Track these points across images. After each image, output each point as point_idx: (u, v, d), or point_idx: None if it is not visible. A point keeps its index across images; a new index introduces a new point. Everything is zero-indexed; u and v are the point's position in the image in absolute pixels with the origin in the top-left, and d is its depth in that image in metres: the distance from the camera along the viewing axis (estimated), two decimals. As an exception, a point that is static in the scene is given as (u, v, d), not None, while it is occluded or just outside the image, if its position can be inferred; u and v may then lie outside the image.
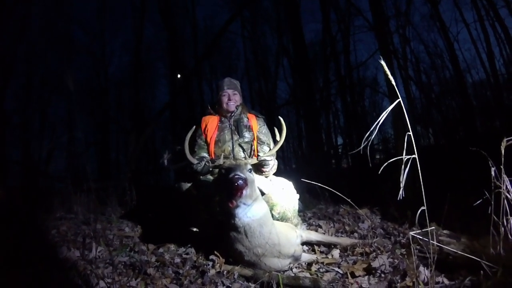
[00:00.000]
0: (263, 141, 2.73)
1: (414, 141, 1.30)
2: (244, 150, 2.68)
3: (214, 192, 2.15)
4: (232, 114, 2.76)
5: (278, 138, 2.53)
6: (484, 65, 12.08)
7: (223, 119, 2.77)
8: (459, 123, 13.01)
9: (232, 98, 2.76)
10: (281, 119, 2.41)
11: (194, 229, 2.63)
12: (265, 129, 2.79)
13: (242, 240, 1.88)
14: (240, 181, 1.70)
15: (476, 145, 1.77)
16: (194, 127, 2.60)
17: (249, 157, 2.64)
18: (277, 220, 2.40)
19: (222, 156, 2.44)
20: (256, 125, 2.76)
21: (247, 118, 2.78)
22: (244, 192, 1.76)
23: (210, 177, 2.61)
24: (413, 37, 14.36)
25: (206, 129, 2.72)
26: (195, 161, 2.38)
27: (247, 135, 2.72)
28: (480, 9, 11.09)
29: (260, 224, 1.88)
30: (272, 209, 2.35)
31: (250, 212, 1.86)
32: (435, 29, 13.70)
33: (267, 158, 2.34)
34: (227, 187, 1.74)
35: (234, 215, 1.85)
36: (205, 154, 2.68)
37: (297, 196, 2.56)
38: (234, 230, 1.89)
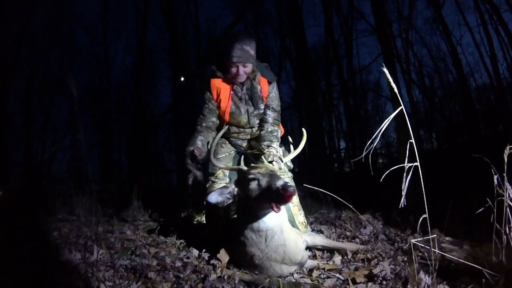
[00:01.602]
0: (268, 105, 2.69)
1: (417, 145, 1.29)
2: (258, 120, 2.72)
3: (237, 193, 2.05)
4: (244, 83, 2.60)
5: (292, 148, 2.51)
6: (487, 69, 12.04)
7: (235, 87, 2.60)
8: (463, 127, 12.98)
9: (241, 72, 2.49)
10: (304, 130, 2.41)
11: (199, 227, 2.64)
12: (273, 93, 2.70)
13: (259, 243, 1.88)
14: (292, 188, 1.70)
15: (480, 150, 1.76)
16: (220, 133, 2.57)
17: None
18: None
19: (242, 159, 2.46)
20: (267, 91, 2.67)
21: (260, 86, 2.64)
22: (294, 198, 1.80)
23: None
24: (416, 40, 14.39)
25: (219, 98, 2.60)
26: (220, 164, 2.38)
27: (261, 106, 2.68)
28: (483, 13, 11.08)
29: (281, 229, 1.90)
30: None
31: (276, 217, 1.88)
32: (438, 32, 13.74)
33: (281, 166, 2.35)
34: (278, 193, 1.73)
35: (260, 218, 1.87)
36: (214, 119, 2.66)
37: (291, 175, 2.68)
38: (255, 233, 1.89)
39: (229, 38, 2.48)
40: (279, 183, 1.75)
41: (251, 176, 1.90)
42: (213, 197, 2.00)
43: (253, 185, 1.88)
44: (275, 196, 1.75)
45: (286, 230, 1.95)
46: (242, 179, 2.01)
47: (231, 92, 2.60)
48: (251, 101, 2.64)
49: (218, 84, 2.60)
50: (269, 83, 2.69)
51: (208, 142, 2.61)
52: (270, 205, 1.78)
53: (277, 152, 2.50)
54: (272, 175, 1.86)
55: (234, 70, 2.48)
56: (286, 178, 2.62)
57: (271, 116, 2.70)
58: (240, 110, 2.65)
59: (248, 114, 2.67)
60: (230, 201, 2.03)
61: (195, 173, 2.45)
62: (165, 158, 21.59)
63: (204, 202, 2.10)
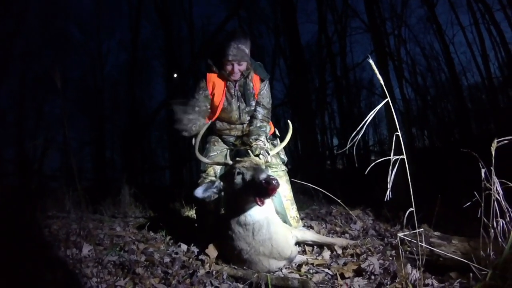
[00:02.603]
0: (259, 102, 2.72)
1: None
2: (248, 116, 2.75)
3: (222, 187, 2.07)
4: (238, 80, 2.63)
5: (278, 142, 2.52)
6: (479, 68, 12.13)
7: (228, 83, 2.63)
8: (454, 125, 13.08)
9: (236, 70, 2.53)
10: (290, 122, 2.42)
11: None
12: (264, 90, 2.73)
13: (246, 237, 1.89)
14: (275, 181, 1.71)
15: (471, 148, 1.76)
16: (210, 122, 2.59)
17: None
18: (275, 204, 2.49)
19: (228, 154, 2.46)
20: (258, 88, 2.71)
21: (253, 83, 2.68)
22: (276, 191, 1.78)
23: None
24: (410, 39, 14.46)
25: (213, 92, 2.62)
26: (205, 160, 2.35)
27: (252, 103, 2.71)
28: (476, 13, 11.14)
29: (268, 222, 1.90)
30: None
31: (262, 210, 1.87)
32: (431, 31, 13.82)
33: (268, 158, 2.36)
34: (261, 187, 1.73)
35: (246, 212, 1.87)
36: (208, 105, 2.63)
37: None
38: (242, 227, 1.89)
39: (226, 36, 2.51)
40: (262, 176, 1.75)
41: (236, 170, 1.91)
42: (200, 192, 2.01)
43: (238, 179, 1.88)
44: (258, 189, 1.75)
45: (274, 224, 1.95)
46: (228, 173, 2.02)
47: (225, 88, 2.63)
48: (243, 98, 2.66)
49: (213, 79, 2.62)
50: (261, 80, 2.72)
51: (196, 125, 2.57)
52: (254, 198, 1.79)
53: (264, 145, 2.52)
54: (257, 169, 1.86)
55: (229, 68, 2.52)
56: (280, 171, 2.66)
57: (261, 112, 2.72)
58: (232, 106, 2.67)
59: (239, 110, 2.69)
60: (217, 195, 2.03)
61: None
62: (159, 156, 21.53)
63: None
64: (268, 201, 1.89)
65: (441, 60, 14.47)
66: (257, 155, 2.32)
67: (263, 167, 1.97)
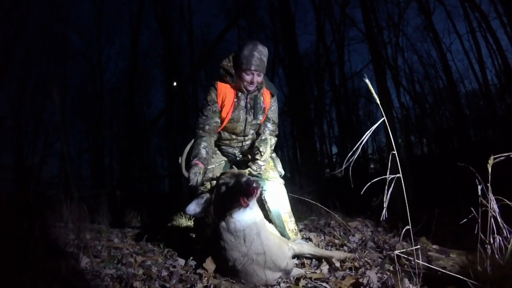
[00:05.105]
0: (269, 118, 2.73)
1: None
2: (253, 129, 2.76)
3: (212, 200, 2.11)
4: (250, 92, 2.59)
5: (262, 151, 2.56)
6: (476, 76, 12.24)
7: (239, 94, 2.59)
8: (453, 132, 13.14)
9: (255, 81, 2.48)
10: (268, 138, 2.50)
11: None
12: (274, 106, 2.75)
13: (239, 245, 1.88)
14: (255, 183, 1.80)
15: (469, 155, 1.77)
16: (193, 140, 2.57)
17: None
18: (273, 217, 2.60)
19: (214, 169, 2.47)
20: (269, 103, 2.70)
21: (263, 97, 2.66)
22: (258, 192, 1.84)
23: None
24: (407, 47, 14.60)
25: (223, 103, 2.58)
26: (190, 175, 2.33)
27: (260, 117, 2.69)
28: (473, 21, 11.27)
29: (258, 228, 1.91)
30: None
31: (250, 215, 1.90)
32: (429, 39, 13.96)
33: (259, 170, 2.42)
34: (242, 188, 1.83)
35: (234, 218, 1.88)
36: (218, 120, 2.61)
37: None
38: (232, 234, 1.89)
39: (249, 45, 2.46)
40: (243, 179, 1.85)
41: (221, 181, 1.99)
42: (191, 209, 2.09)
43: (223, 188, 1.96)
44: (241, 191, 1.83)
45: (265, 231, 1.97)
46: (215, 186, 2.10)
47: (235, 99, 2.60)
48: (252, 111, 2.64)
49: (224, 89, 2.58)
50: (271, 95, 2.72)
51: (211, 149, 2.61)
52: (238, 200, 1.85)
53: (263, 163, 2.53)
54: (238, 175, 1.95)
55: (249, 77, 2.47)
56: (277, 184, 2.67)
57: (269, 128, 2.73)
58: (239, 117, 2.64)
59: (245, 122, 2.66)
60: (208, 208, 2.08)
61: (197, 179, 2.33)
62: (158, 164, 21.54)
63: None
64: (255, 208, 1.97)
65: (438, 67, 14.63)
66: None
67: (246, 174, 2.04)
